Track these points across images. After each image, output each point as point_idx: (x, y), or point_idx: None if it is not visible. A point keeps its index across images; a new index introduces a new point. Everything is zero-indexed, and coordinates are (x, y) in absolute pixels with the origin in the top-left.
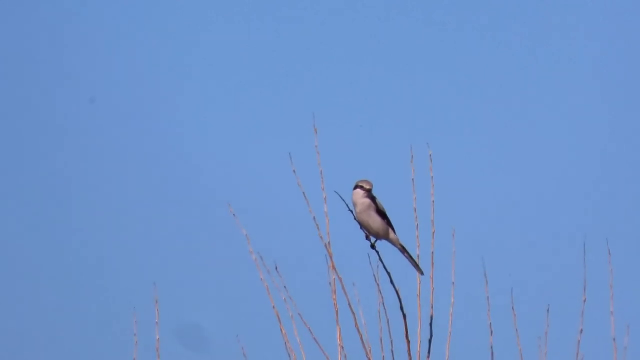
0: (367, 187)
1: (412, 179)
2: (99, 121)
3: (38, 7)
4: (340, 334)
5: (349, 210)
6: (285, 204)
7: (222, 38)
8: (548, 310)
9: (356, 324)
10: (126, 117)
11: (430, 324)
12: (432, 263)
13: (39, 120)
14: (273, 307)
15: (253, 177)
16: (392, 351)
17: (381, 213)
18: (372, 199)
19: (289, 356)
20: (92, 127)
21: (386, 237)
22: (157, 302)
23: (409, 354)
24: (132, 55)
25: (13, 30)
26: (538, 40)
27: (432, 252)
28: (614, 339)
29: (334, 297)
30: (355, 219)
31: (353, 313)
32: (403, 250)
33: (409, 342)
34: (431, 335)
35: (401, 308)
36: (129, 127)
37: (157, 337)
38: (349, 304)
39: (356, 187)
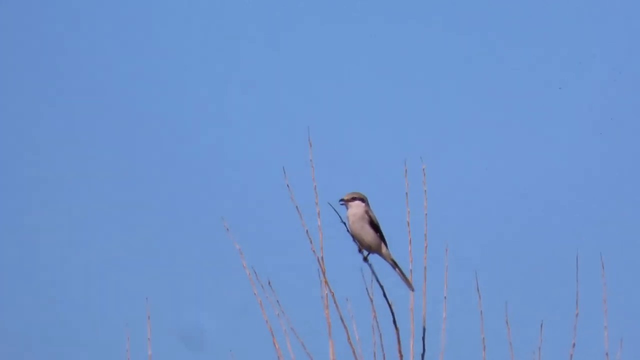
0: (345, 197)
1: (406, 193)
2: (96, 126)
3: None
4: (333, 348)
5: (342, 222)
6: (278, 218)
7: (215, 47)
8: (542, 325)
9: (349, 338)
10: (120, 131)
11: (423, 339)
12: (425, 277)
13: (35, 122)
14: (266, 321)
15: (246, 192)
16: None
17: (375, 226)
18: (357, 208)
19: None
20: (88, 129)
21: (378, 251)
22: (149, 318)
23: None
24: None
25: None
26: (532, 53)
27: (425, 267)
28: (607, 354)
29: (327, 311)
30: (348, 231)
31: (346, 327)
32: (394, 265)
33: (401, 356)
34: (424, 350)
35: (394, 322)
36: (119, 138)
37: (150, 352)
38: (342, 319)
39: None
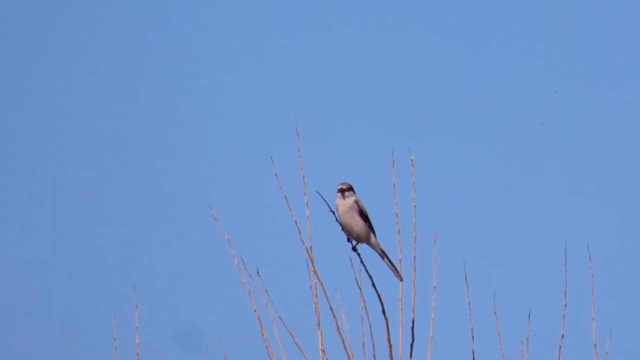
0: (341, 187)
1: (394, 184)
2: (89, 121)
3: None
4: (322, 338)
5: (331, 211)
6: (267, 208)
7: (204, 42)
8: (530, 315)
9: (338, 328)
10: (110, 125)
11: (412, 329)
12: (414, 268)
13: (27, 123)
14: (255, 311)
15: (235, 181)
16: (374, 355)
17: (364, 216)
18: (347, 198)
19: None
20: (82, 129)
21: (367, 241)
22: (137, 307)
23: (391, 359)
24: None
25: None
26: (519, 47)
27: (414, 257)
28: (595, 345)
29: (316, 301)
30: (337, 220)
31: (335, 317)
32: (383, 255)
33: (391, 346)
34: (413, 340)
35: (383, 312)
36: (113, 133)
37: (138, 341)
38: (331, 308)
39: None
